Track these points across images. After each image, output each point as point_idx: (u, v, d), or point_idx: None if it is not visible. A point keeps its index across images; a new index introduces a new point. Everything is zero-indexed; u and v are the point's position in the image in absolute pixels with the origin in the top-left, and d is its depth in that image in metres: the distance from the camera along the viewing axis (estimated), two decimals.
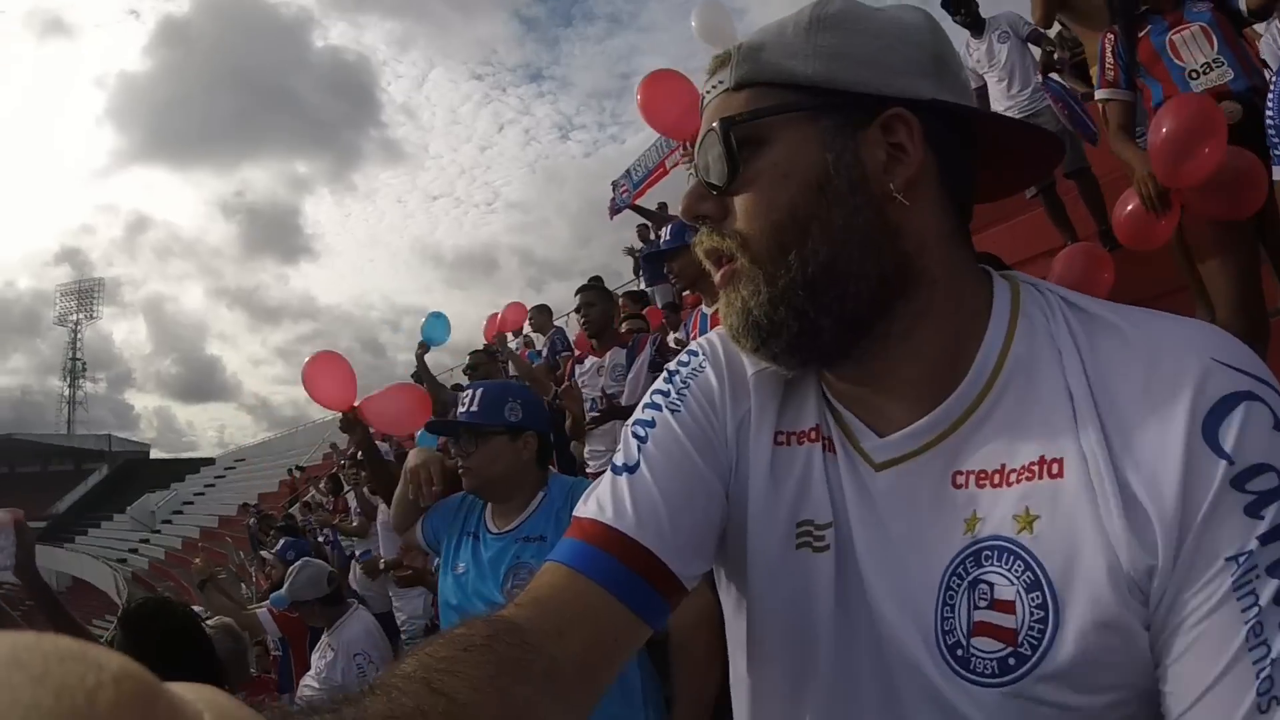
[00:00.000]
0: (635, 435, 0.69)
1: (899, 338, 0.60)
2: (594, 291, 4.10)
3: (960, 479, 0.58)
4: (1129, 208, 2.71)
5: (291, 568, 3.61)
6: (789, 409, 0.69)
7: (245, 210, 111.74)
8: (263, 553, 8.22)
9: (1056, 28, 4.46)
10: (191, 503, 33.17)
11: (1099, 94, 2.92)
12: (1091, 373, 0.55)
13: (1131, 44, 2.79)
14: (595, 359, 4.00)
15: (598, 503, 0.65)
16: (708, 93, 0.65)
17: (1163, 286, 3.46)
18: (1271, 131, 1.70)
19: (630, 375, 3.74)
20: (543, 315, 7.15)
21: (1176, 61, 2.71)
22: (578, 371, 4.11)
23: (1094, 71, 2.99)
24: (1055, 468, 0.54)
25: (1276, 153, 1.75)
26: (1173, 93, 2.70)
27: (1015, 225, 4.99)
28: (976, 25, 4.77)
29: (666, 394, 0.71)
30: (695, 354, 0.74)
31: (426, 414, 3.11)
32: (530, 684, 0.52)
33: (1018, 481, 0.56)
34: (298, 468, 22.15)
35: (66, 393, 66.84)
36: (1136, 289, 3.21)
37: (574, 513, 0.67)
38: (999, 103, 4.68)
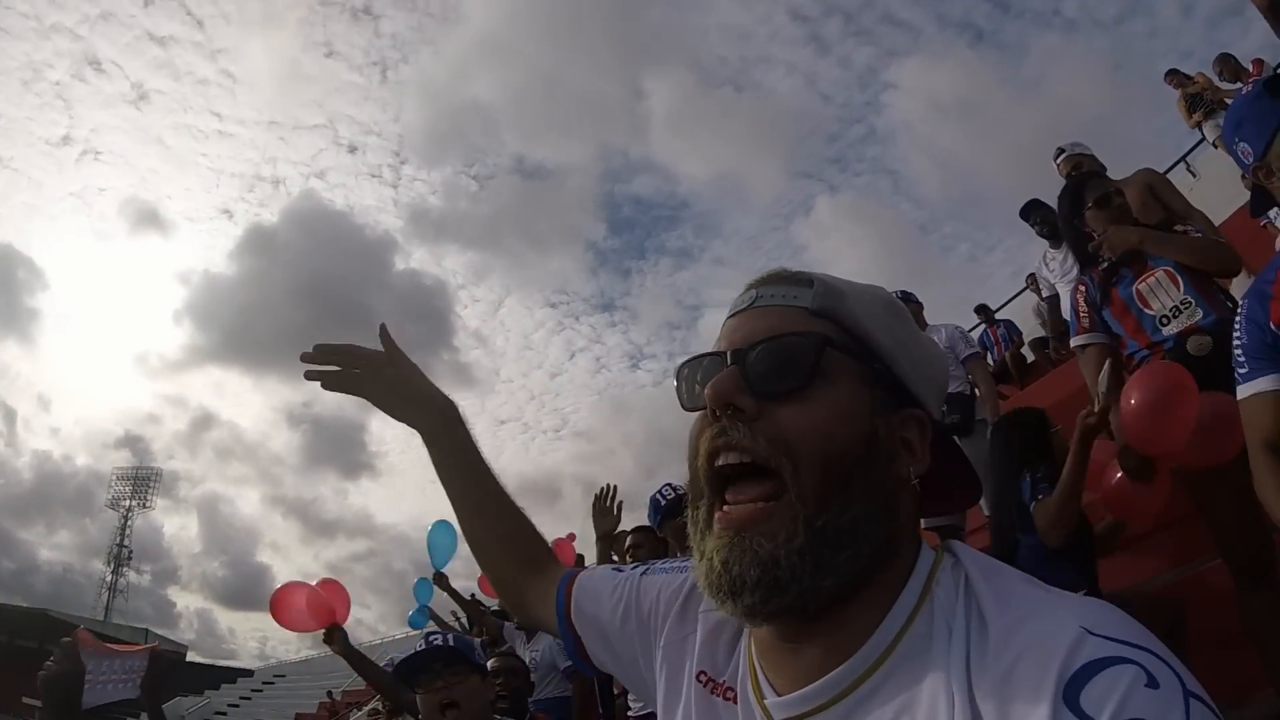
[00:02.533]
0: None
1: (842, 606, 0.60)
2: (643, 534, 3.99)
3: None
4: (1116, 478, 2.58)
5: None
6: (714, 651, 0.72)
7: (311, 421, 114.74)
8: None
9: None
10: (225, 714, 32.64)
11: (1075, 340, 2.90)
12: (974, 658, 0.55)
13: (1105, 294, 2.79)
14: None
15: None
16: (769, 297, 0.66)
17: None
18: (1237, 351, 1.65)
19: None
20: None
21: (1146, 310, 2.68)
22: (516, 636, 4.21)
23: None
24: None
25: (1240, 371, 1.67)
26: (1144, 342, 2.68)
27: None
28: (1054, 236, 4.76)
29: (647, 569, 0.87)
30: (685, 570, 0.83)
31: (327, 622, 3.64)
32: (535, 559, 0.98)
33: None
34: (337, 692, 22.82)
35: (109, 579, 64.70)
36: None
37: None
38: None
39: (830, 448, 0.59)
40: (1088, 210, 2.95)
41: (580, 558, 10.76)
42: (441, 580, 5.83)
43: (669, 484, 3.83)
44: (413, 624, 7.67)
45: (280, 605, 3.84)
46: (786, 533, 0.58)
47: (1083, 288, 2.86)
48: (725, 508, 0.62)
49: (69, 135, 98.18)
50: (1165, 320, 2.63)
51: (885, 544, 0.61)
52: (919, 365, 0.67)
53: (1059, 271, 4.75)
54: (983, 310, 9.52)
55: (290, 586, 3.92)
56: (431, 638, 2.12)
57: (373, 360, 1.10)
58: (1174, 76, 8.25)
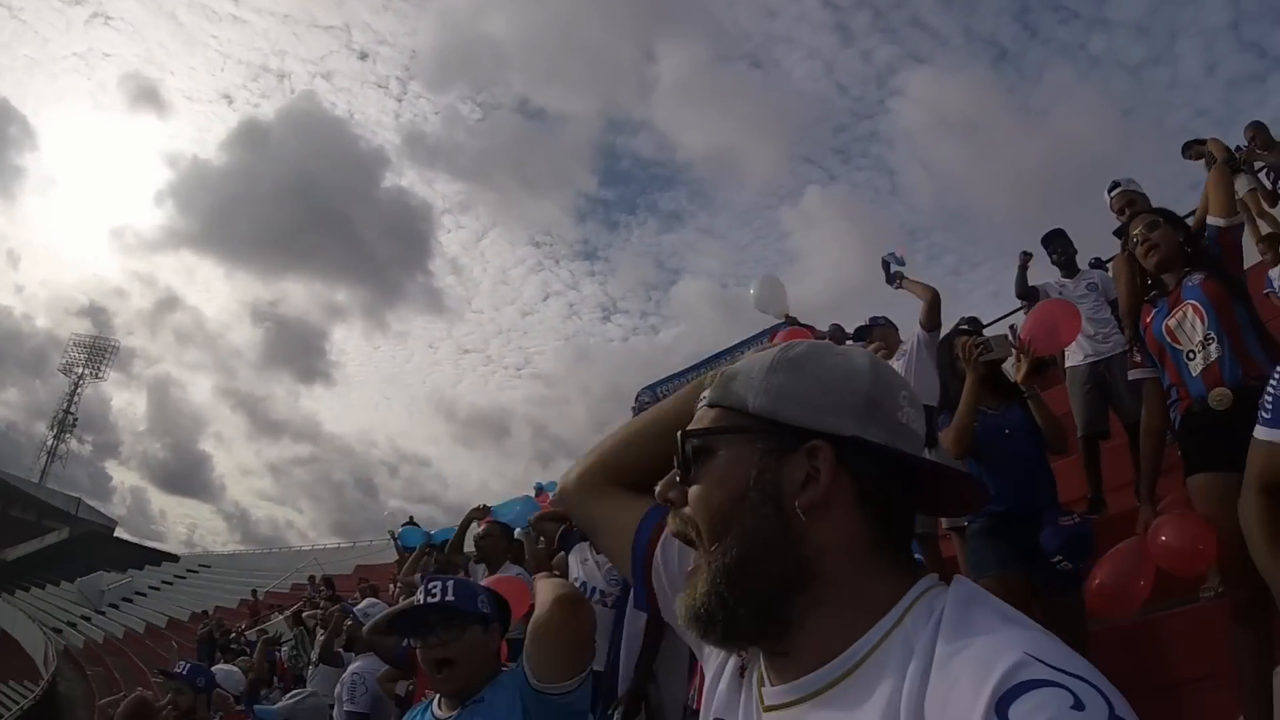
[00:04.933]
0: None
1: (797, 624, 0.70)
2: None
3: None
4: (1097, 582, 2.83)
5: (296, 693, 4.08)
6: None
7: (275, 320, 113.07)
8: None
9: None
10: (145, 594, 32.52)
11: (1131, 374, 3.04)
12: (931, 676, 0.60)
13: (1136, 329, 2.92)
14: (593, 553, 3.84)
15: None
16: (700, 400, 0.82)
17: None
18: (1268, 399, 1.71)
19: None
20: None
21: (1175, 345, 2.73)
22: (580, 551, 3.94)
23: None
24: None
25: (1264, 415, 1.73)
26: (1177, 381, 2.74)
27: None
28: (1068, 267, 5.07)
29: None
30: None
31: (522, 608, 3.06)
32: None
33: None
34: (261, 591, 22.52)
35: (50, 443, 63.65)
36: None
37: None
38: (1073, 347, 4.78)
39: (709, 510, 0.73)
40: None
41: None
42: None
43: None
44: (405, 541, 7.55)
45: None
46: (703, 584, 0.72)
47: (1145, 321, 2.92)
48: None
49: None
50: (1191, 355, 2.67)
51: (797, 569, 0.70)
52: (809, 400, 0.73)
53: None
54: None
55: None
56: (431, 587, 1.97)
57: None
58: (1190, 149, 8.10)
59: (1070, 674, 0.55)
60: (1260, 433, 1.78)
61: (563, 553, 4.18)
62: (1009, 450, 3.10)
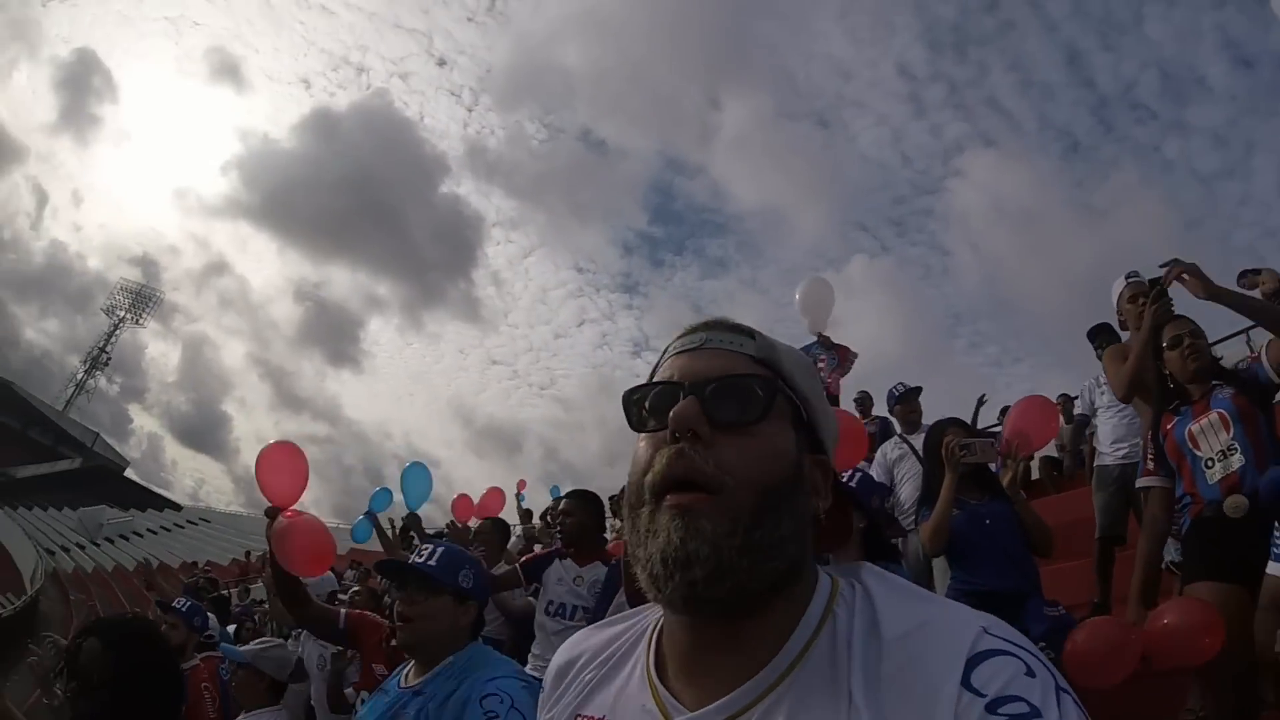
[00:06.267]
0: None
1: (762, 613, 0.66)
2: (575, 501, 4.01)
3: None
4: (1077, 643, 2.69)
5: (265, 639, 3.81)
6: (606, 695, 0.76)
7: (317, 301, 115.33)
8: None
9: None
10: (142, 535, 32.93)
11: (1140, 481, 2.96)
12: (877, 666, 0.61)
13: (1156, 435, 2.86)
14: (575, 566, 3.87)
15: None
16: (718, 341, 0.73)
17: None
18: (1277, 533, 1.61)
19: (613, 606, 3.64)
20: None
21: (1195, 452, 2.69)
22: (556, 569, 3.92)
23: None
24: None
25: (1274, 549, 1.69)
26: (1191, 489, 2.71)
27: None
28: None
29: None
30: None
31: (323, 567, 3.22)
32: None
33: None
34: (255, 555, 22.67)
35: (80, 377, 64.11)
36: None
37: None
38: (1108, 443, 4.74)
39: (767, 477, 0.66)
40: (1165, 352, 2.94)
41: (528, 510, 10.81)
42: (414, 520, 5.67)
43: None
44: (356, 536, 7.53)
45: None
46: (726, 527, 0.63)
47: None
48: (669, 499, 0.66)
49: None
50: (1210, 463, 2.64)
51: (796, 566, 0.68)
52: (827, 419, 0.76)
53: (1104, 403, 4.78)
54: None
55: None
56: (422, 549, 2.11)
57: None
58: (1246, 277, 8.27)
59: (1021, 647, 0.60)
60: (1274, 569, 1.87)
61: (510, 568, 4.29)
62: (989, 540, 3.09)
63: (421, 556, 2.07)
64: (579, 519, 3.90)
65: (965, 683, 0.57)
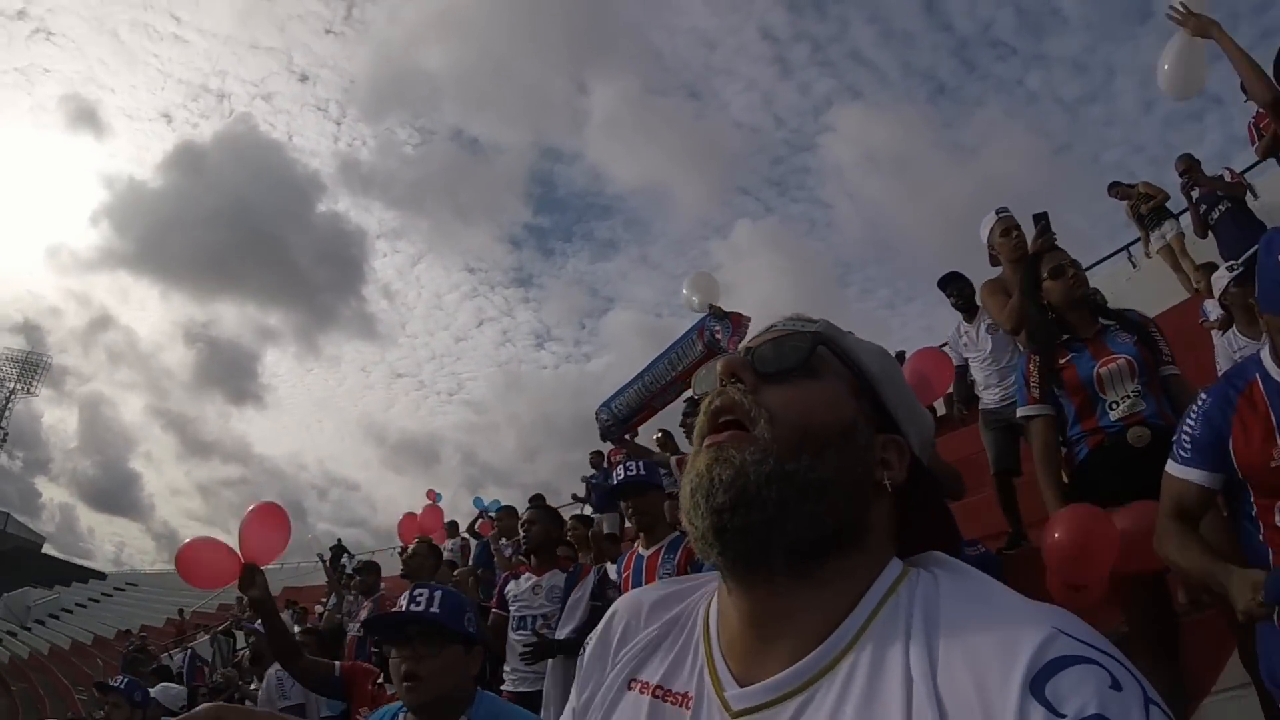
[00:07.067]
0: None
1: (815, 583, 0.64)
2: (538, 510, 4.23)
3: None
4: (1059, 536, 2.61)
5: (165, 685, 4.23)
6: (661, 662, 0.73)
7: (208, 342, 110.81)
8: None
9: None
10: (71, 611, 31.70)
11: (1021, 411, 2.97)
12: (940, 650, 0.57)
13: (1051, 368, 2.87)
14: (533, 577, 3.99)
15: None
16: (783, 325, 0.76)
17: None
18: (1186, 437, 1.83)
19: (569, 604, 3.81)
20: (511, 519, 7.26)
21: (1101, 394, 2.77)
22: (513, 587, 4.05)
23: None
24: None
25: (1182, 454, 1.85)
26: (1090, 425, 2.78)
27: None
28: (968, 310, 4.95)
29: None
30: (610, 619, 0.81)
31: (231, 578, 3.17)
32: None
33: None
34: (188, 611, 22.01)
35: None
36: None
37: None
38: (982, 388, 4.89)
39: (807, 420, 0.66)
40: (1044, 282, 2.97)
41: (453, 524, 10.64)
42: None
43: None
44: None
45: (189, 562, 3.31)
46: (756, 456, 0.64)
47: (1035, 358, 2.92)
48: (707, 439, 0.68)
49: (25, 10, 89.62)
50: (1114, 405, 2.74)
51: (851, 528, 0.65)
52: (906, 405, 0.75)
53: (971, 347, 4.92)
54: (898, 358, 9.50)
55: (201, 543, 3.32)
56: (417, 595, 1.87)
57: None
58: (1117, 189, 8.56)
59: (1100, 649, 0.53)
60: (1177, 470, 1.92)
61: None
62: None
63: (420, 605, 1.83)
64: (543, 527, 4.08)
65: (1036, 694, 0.51)
